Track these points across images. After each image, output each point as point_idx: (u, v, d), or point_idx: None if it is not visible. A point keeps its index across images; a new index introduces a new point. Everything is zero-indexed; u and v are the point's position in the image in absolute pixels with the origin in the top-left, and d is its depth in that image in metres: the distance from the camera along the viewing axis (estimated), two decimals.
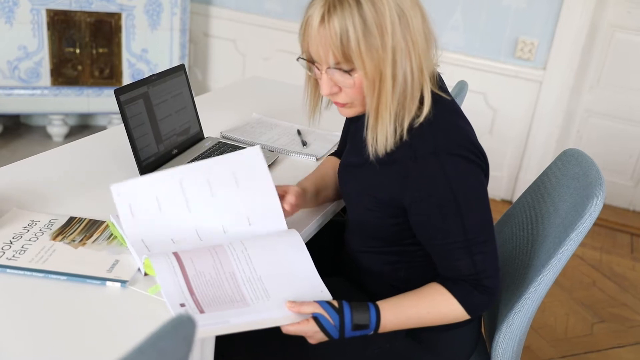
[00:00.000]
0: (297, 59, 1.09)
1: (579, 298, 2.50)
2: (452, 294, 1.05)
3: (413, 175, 1.02)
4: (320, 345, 1.15)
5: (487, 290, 1.05)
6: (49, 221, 1.18)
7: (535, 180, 1.39)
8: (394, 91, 1.00)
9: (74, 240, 1.12)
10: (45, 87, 3.13)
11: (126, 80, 3.27)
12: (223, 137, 1.71)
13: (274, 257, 1.10)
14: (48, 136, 3.38)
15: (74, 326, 0.92)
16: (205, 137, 1.65)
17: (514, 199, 3.23)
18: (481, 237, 1.03)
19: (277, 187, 1.18)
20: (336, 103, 1.10)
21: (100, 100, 3.25)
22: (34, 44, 3.04)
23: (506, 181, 3.30)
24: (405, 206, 1.06)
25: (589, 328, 2.32)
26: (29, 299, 0.97)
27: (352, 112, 1.10)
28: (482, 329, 1.39)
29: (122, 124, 1.37)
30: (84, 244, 1.12)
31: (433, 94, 1.05)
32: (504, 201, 3.32)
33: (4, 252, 1.06)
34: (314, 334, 1.03)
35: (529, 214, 1.35)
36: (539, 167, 3.11)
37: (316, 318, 1.02)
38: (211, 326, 0.95)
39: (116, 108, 1.34)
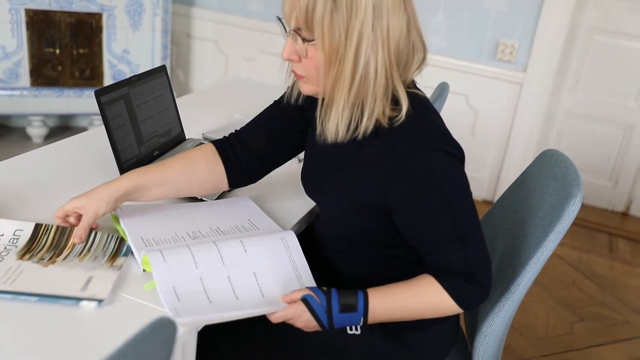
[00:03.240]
0: (277, 18, 1.07)
1: (559, 297, 2.54)
2: (443, 286, 1.04)
3: (397, 173, 1.02)
4: (303, 347, 1.16)
5: (480, 283, 1.05)
6: (14, 233, 1.09)
7: (515, 180, 1.40)
8: (352, 79, 0.98)
9: (42, 259, 1.05)
10: (24, 87, 3.10)
11: (107, 81, 3.24)
12: (205, 138, 1.70)
13: (272, 260, 1.12)
14: (27, 137, 3.34)
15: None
16: (186, 138, 1.65)
17: (496, 200, 3.26)
18: (470, 229, 1.04)
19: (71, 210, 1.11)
20: (294, 73, 1.08)
21: (80, 101, 3.22)
22: (12, 44, 3.00)
23: (487, 182, 3.33)
24: (389, 206, 1.06)
25: (569, 327, 2.35)
26: None
27: (307, 89, 1.07)
28: (464, 329, 1.40)
29: (103, 125, 1.36)
30: (54, 262, 1.04)
31: (410, 93, 1.05)
32: (485, 201, 3.34)
33: None
34: (302, 314, 1.03)
35: (508, 214, 1.36)
36: (520, 168, 3.14)
37: (304, 299, 1.03)
38: (203, 317, 0.97)
39: (97, 109, 1.33)
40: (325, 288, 1.05)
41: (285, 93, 1.26)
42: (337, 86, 1.00)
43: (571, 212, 1.11)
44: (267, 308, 1.03)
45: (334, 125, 1.02)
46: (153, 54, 3.27)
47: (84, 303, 0.95)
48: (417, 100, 1.07)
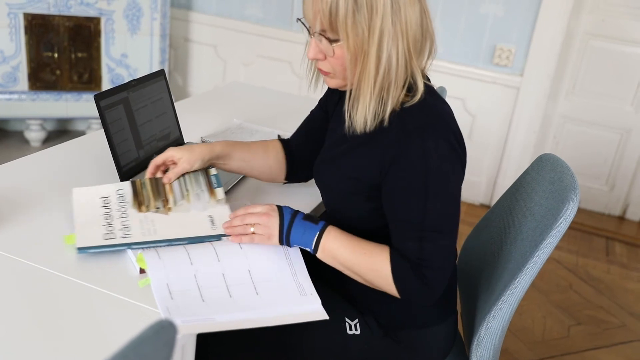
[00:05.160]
0: (297, 20, 1.13)
1: (556, 301, 2.54)
2: (390, 260, 1.07)
3: (394, 150, 1.05)
4: (302, 348, 1.16)
5: (425, 279, 1.06)
6: (117, 192, 1.21)
7: (512, 185, 1.41)
8: (377, 72, 1.03)
9: (158, 208, 1.18)
10: (22, 91, 3.10)
11: (105, 85, 3.24)
12: (203, 142, 1.71)
13: (268, 257, 1.12)
14: (25, 141, 3.34)
15: (57, 326, 0.91)
16: (185, 142, 1.65)
17: (492, 203, 3.27)
18: (438, 227, 1.05)
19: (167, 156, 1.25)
20: (320, 70, 1.14)
21: (79, 105, 3.22)
22: (11, 48, 3.01)
23: (484, 186, 3.34)
24: (381, 183, 1.09)
25: (566, 330, 2.36)
26: (21, 292, 0.96)
27: (334, 83, 1.14)
28: (461, 331, 1.41)
29: (102, 129, 1.37)
30: (170, 209, 1.19)
31: (425, 84, 1.09)
32: (482, 205, 3.35)
33: (114, 233, 1.11)
34: (271, 214, 1.11)
35: (505, 218, 1.37)
36: (517, 172, 3.15)
37: (278, 206, 1.13)
38: (195, 322, 0.96)
39: (95, 113, 1.34)
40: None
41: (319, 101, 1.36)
42: (363, 80, 1.05)
43: (567, 216, 1.12)
44: (262, 318, 1.01)
45: (362, 116, 1.07)
46: (151, 58, 3.28)
47: (224, 238, 1.14)
48: (432, 91, 1.11)
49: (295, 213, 1.13)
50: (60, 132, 3.54)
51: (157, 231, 1.13)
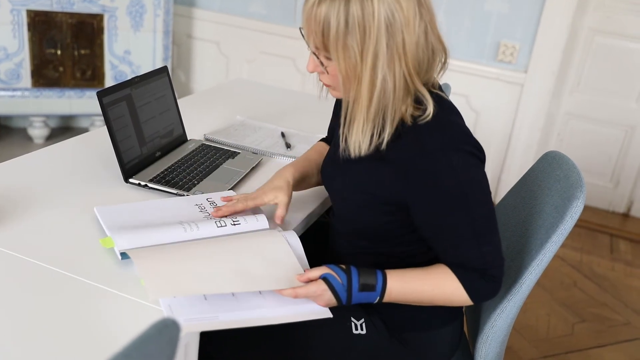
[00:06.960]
0: (300, 29, 1.10)
1: (560, 298, 2.54)
2: (459, 279, 1.06)
3: (420, 170, 1.04)
4: (307, 347, 1.16)
5: (494, 279, 1.07)
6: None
7: (517, 182, 1.41)
8: (371, 96, 1.01)
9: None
10: (25, 88, 3.10)
11: (108, 81, 3.24)
12: (206, 139, 1.70)
13: (271, 255, 1.11)
14: (29, 138, 3.34)
15: (59, 324, 0.91)
16: (188, 139, 1.65)
17: (496, 201, 3.26)
18: (488, 229, 1.06)
19: (263, 195, 1.21)
20: (322, 82, 1.13)
21: (82, 102, 3.22)
22: (14, 45, 3.01)
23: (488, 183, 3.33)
24: (408, 203, 1.07)
25: (570, 328, 2.35)
26: (25, 291, 0.96)
27: (336, 94, 1.13)
28: (465, 330, 1.40)
29: (105, 126, 1.36)
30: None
31: (434, 94, 1.07)
32: None
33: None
34: (323, 293, 1.03)
35: (510, 215, 1.36)
36: (521, 169, 3.14)
37: (325, 278, 1.04)
38: (198, 321, 0.96)
39: (98, 110, 1.33)
40: (344, 266, 1.06)
41: None
42: (357, 104, 1.03)
43: (574, 214, 1.11)
44: (266, 317, 1.00)
45: (356, 141, 1.05)
46: (154, 54, 3.27)
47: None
48: (442, 101, 1.09)
49: (349, 287, 1.04)
50: (64, 129, 3.54)
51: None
